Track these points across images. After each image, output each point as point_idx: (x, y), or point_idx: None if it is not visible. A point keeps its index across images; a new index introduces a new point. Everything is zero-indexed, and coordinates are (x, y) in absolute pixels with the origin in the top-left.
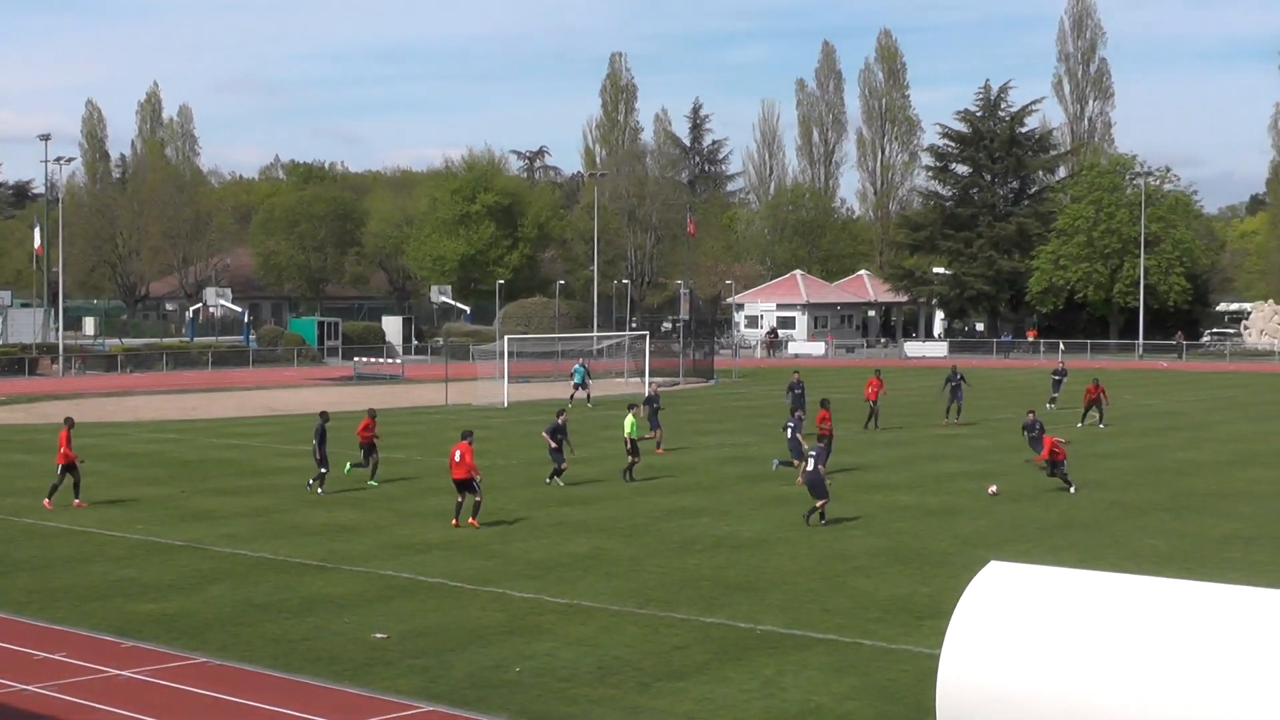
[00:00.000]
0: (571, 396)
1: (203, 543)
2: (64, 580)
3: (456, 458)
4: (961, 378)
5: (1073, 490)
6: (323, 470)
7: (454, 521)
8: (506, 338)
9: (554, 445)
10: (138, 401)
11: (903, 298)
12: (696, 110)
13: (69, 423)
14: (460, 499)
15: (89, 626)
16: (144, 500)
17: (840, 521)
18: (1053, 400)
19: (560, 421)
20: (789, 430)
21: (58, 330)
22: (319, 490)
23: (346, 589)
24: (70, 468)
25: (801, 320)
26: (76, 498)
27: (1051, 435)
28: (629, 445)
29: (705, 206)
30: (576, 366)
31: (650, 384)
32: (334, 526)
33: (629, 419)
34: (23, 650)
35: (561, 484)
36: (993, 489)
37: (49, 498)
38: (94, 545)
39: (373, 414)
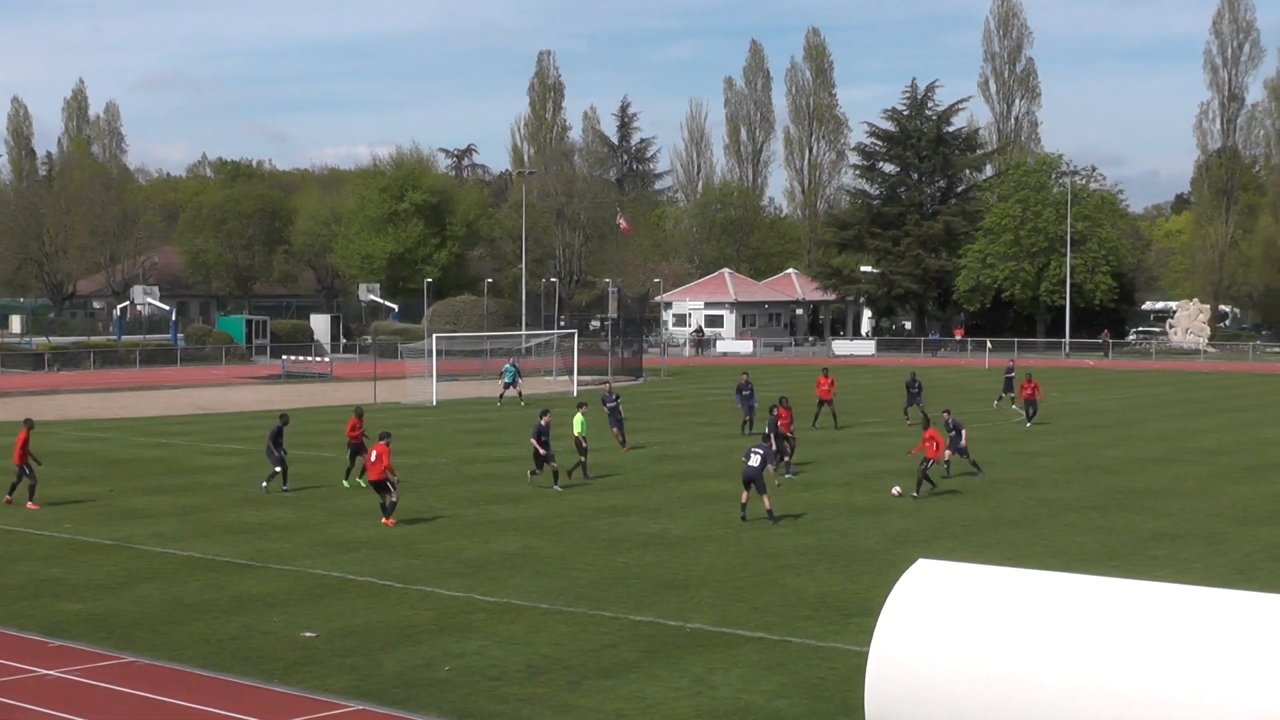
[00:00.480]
0: (501, 395)
1: (131, 542)
2: None
3: (373, 458)
4: (919, 382)
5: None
6: (277, 470)
7: (386, 520)
8: (435, 336)
9: (543, 452)
10: (65, 400)
11: (831, 296)
12: (625, 109)
13: (28, 424)
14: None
15: (16, 626)
16: (71, 499)
17: (766, 519)
18: (1000, 398)
19: (544, 423)
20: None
21: None
22: (268, 487)
23: (276, 588)
24: (26, 470)
25: (729, 318)
26: (30, 499)
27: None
28: (578, 444)
29: (634, 205)
30: (507, 365)
31: (606, 382)
32: (264, 525)
33: (578, 417)
34: None
35: (559, 488)
36: (896, 490)
37: (10, 494)
38: (21, 544)
39: (359, 412)
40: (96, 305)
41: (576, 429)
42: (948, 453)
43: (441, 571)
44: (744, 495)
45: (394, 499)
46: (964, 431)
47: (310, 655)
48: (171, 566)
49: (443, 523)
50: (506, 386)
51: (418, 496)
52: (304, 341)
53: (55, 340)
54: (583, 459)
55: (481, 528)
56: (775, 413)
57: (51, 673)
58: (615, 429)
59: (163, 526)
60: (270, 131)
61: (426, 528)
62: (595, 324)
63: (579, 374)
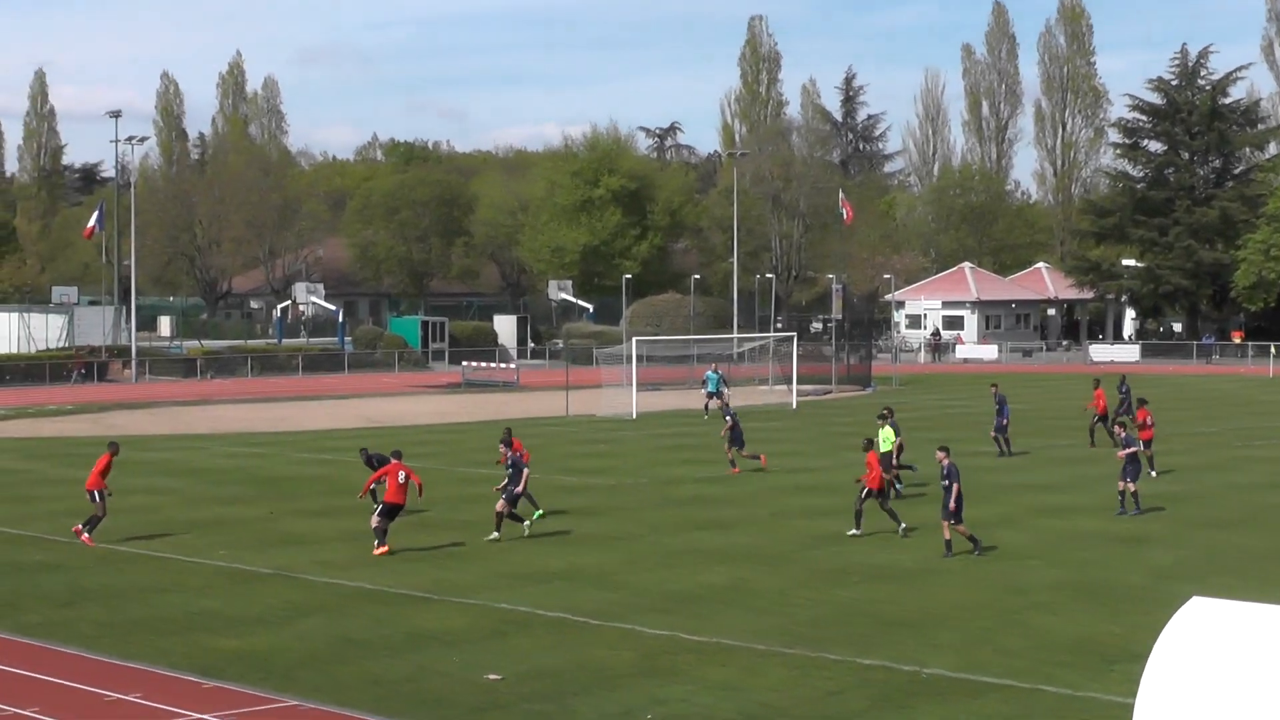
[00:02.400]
0: (706, 406)
1: (292, 570)
2: (138, 612)
3: (401, 479)
4: (1129, 387)
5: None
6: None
7: (381, 549)
8: (635, 339)
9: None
10: (219, 411)
11: (1087, 294)
12: (849, 81)
13: (113, 448)
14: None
15: (166, 664)
16: (226, 522)
17: (1012, 550)
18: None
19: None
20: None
21: (130, 331)
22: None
23: (455, 624)
24: (97, 496)
25: (971, 320)
26: (89, 532)
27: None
28: (888, 461)
29: (860, 190)
30: (709, 373)
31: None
32: (440, 553)
33: (885, 430)
34: (93, 690)
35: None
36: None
37: (88, 526)
38: (171, 573)
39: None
40: (254, 305)
41: (885, 444)
42: (1131, 485)
43: (642, 607)
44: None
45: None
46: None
47: (494, 700)
48: (338, 599)
49: (643, 551)
50: (710, 396)
51: (614, 522)
52: (486, 346)
53: (208, 344)
54: (891, 478)
55: (687, 557)
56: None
57: (205, 717)
58: (730, 449)
59: (328, 553)
60: (447, 109)
61: (624, 557)
62: (817, 326)
63: (799, 383)
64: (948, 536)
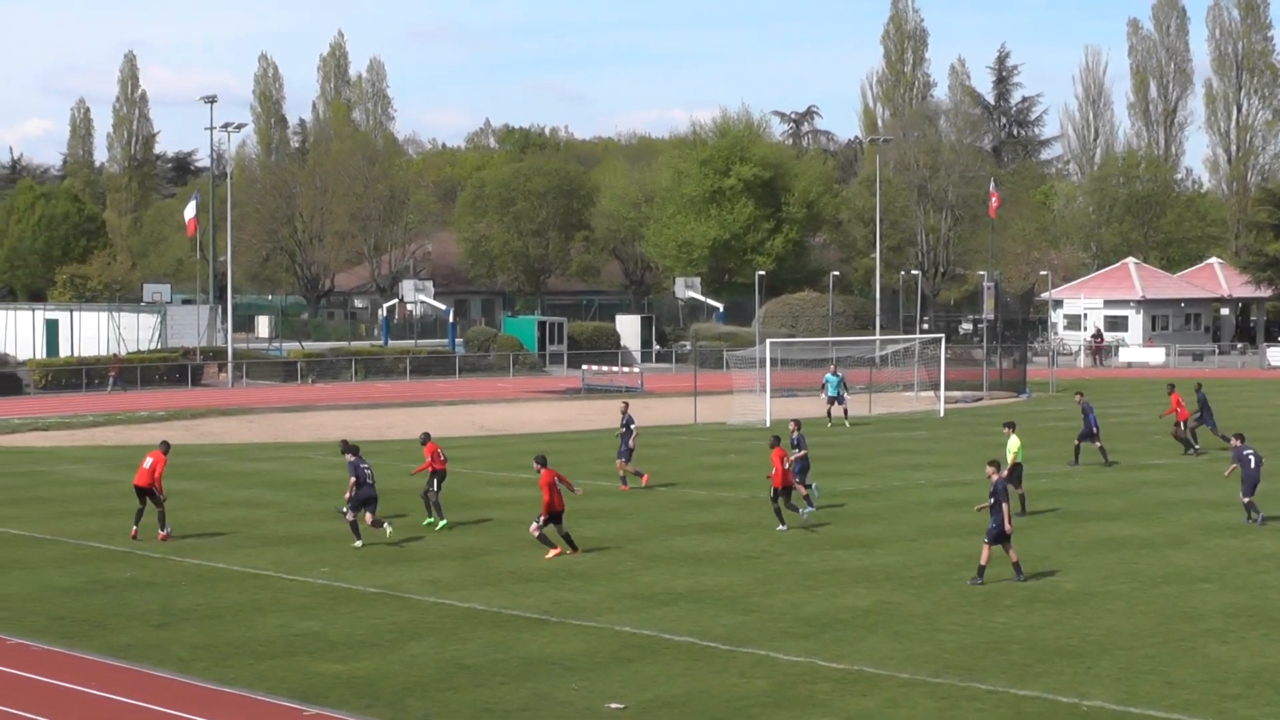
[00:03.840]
0: (828, 413)
1: (400, 590)
2: (235, 633)
3: (557, 484)
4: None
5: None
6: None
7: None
8: (768, 341)
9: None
10: (320, 417)
11: (1265, 292)
12: (1002, 60)
13: (165, 447)
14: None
15: (265, 689)
16: (329, 537)
17: (1182, 572)
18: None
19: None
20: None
21: (226, 332)
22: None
23: (575, 648)
24: (150, 494)
25: (1135, 320)
26: (135, 525)
27: None
28: (1016, 471)
29: (1013, 179)
30: (829, 375)
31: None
32: (560, 572)
33: (1014, 440)
34: (188, 717)
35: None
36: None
37: (163, 529)
38: (270, 592)
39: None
40: (358, 304)
41: (1013, 452)
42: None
43: (777, 631)
44: None
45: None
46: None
47: None
48: (448, 620)
49: (778, 571)
50: (831, 402)
51: (746, 539)
52: (608, 348)
53: (309, 346)
54: (1021, 491)
55: (826, 578)
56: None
57: None
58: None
59: (438, 571)
60: (565, 92)
61: (757, 577)
62: (967, 327)
63: (947, 389)
64: (984, 562)
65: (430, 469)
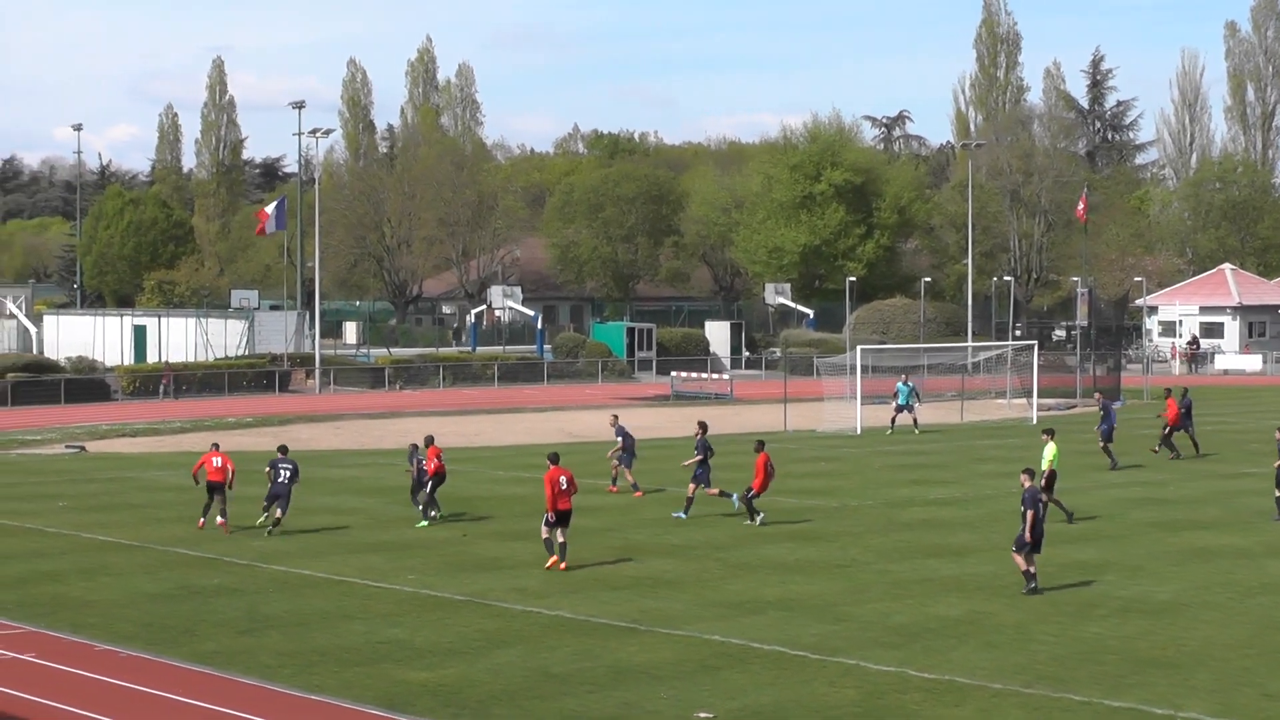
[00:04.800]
0: (893, 421)
1: (487, 597)
2: (321, 640)
3: (564, 484)
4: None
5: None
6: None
7: (562, 565)
8: (859, 348)
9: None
10: (408, 424)
11: None
12: (1096, 64)
13: (215, 448)
14: (559, 535)
15: (351, 697)
16: (415, 545)
17: None
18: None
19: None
20: None
21: (314, 338)
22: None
23: (663, 656)
24: (223, 490)
25: (1232, 327)
26: (205, 517)
27: None
28: (1049, 480)
29: (1108, 184)
30: (900, 384)
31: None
32: (647, 579)
33: (1050, 448)
34: None
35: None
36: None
37: (223, 519)
38: (356, 599)
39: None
40: (446, 310)
41: (1048, 459)
42: None
43: (867, 640)
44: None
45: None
46: None
47: None
48: (536, 629)
49: (868, 580)
50: (899, 410)
51: (836, 547)
52: (697, 354)
53: (397, 352)
54: (1052, 499)
55: (916, 586)
56: None
57: None
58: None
59: (525, 580)
60: (654, 97)
61: (847, 586)
62: (1059, 333)
63: (1039, 396)
64: (1027, 568)
65: (436, 470)
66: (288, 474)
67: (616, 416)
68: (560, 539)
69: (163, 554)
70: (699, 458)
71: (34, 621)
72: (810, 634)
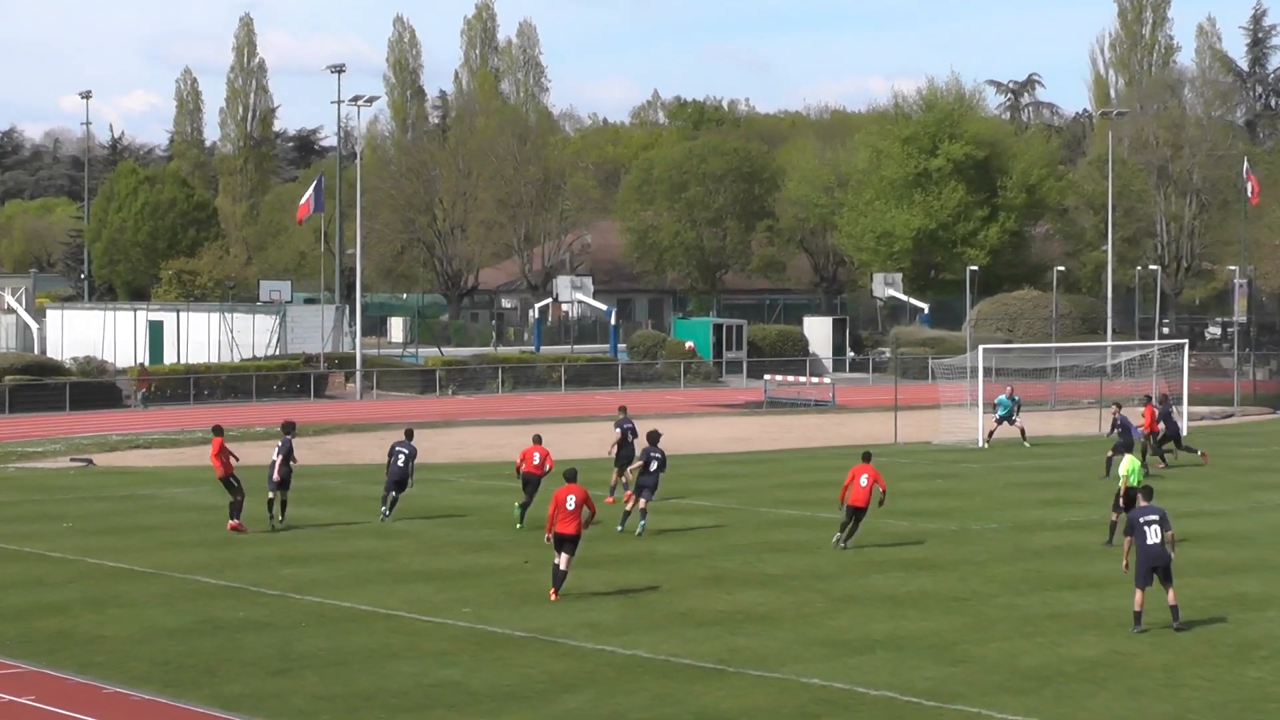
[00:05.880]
0: (990, 434)
1: (554, 634)
2: (365, 683)
3: (570, 505)
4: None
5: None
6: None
7: (554, 595)
8: (981, 348)
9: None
10: (463, 435)
11: None
12: (1258, 19)
13: (218, 431)
14: (559, 560)
15: None
16: (472, 573)
17: None
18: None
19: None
20: None
21: (354, 336)
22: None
23: (754, 702)
24: (226, 484)
25: None
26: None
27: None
28: (1120, 497)
29: (1271, 158)
30: (1002, 397)
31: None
32: (738, 613)
33: (1127, 462)
34: None
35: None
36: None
37: (235, 518)
38: (404, 634)
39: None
40: (506, 304)
41: (1125, 472)
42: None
43: (991, 685)
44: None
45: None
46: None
47: None
48: (610, 669)
49: (992, 616)
50: (999, 422)
51: (955, 578)
52: (795, 355)
53: (450, 352)
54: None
55: (1048, 623)
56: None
57: None
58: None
59: (597, 613)
60: (746, 60)
61: (968, 622)
62: (1214, 331)
63: (1191, 403)
64: (1140, 607)
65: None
66: (403, 458)
67: (624, 409)
68: (563, 566)
69: (182, 582)
70: (640, 464)
71: (36, 660)
72: (925, 677)
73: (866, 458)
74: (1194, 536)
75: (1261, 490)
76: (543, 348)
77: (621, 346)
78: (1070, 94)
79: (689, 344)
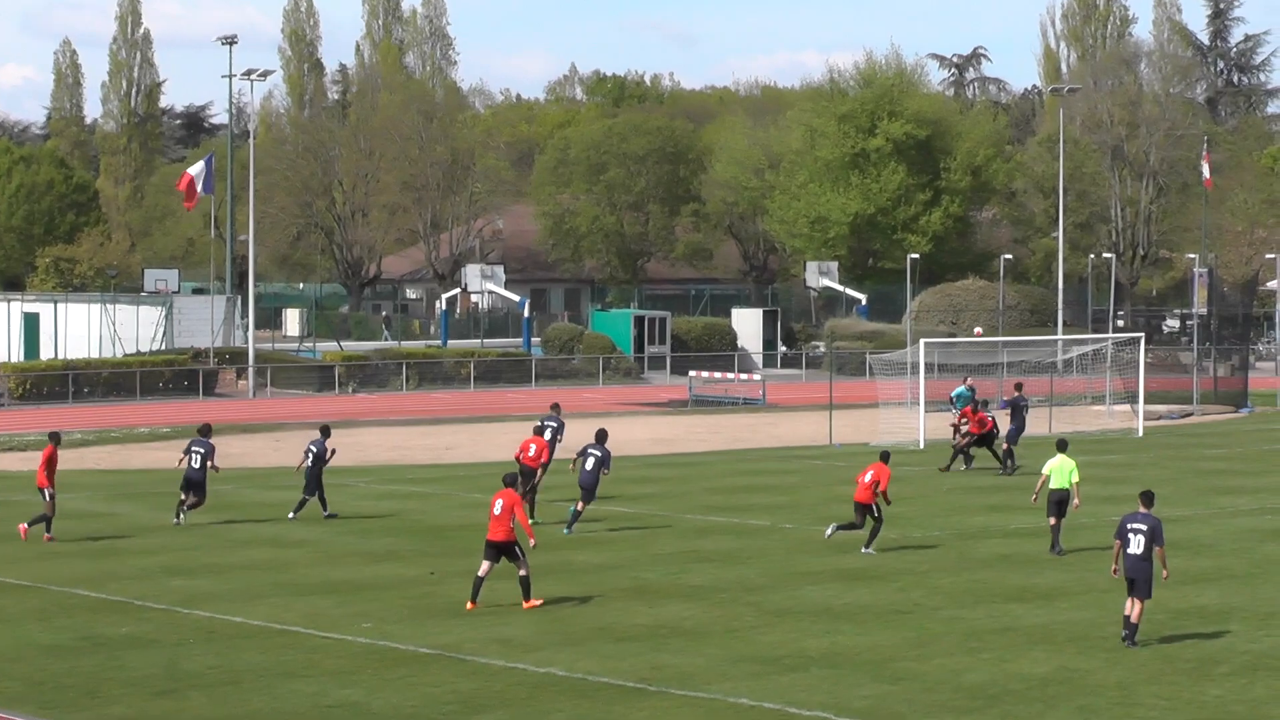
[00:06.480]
0: (955, 431)
1: (462, 650)
2: (257, 703)
3: (497, 510)
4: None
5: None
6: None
7: (470, 604)
8: (923, 342)
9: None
10: (364, 436)
11: None
12: None
13: (54, 439)
14: (484, 570)
15: None
16: (374, 585)
17: None
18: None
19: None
20: None
21: (247, 329)
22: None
23: None
24: (46, 495)
25: None
26: (31, 524)
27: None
28: (1049, 500)
29: (1233, 139)
30: (960, 389)
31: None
32: (662, 628)
33: (1061, 463)
34: None
35: None
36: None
37: (34, 524)
38: (301, 651)
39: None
40: (411, 295)
41: (1064, 479)
42: None
43: (933, 704)
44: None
45: (522, 572)
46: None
47: None
48: (522, 689)
49: (935, 630)
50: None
51: (894, 589)
52: (722, 350)
53: (350, 347)
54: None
55: (994, 638)
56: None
57: None
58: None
59: (509, 628)
60: (671, 31)
61: (909, 637)
62: (1173, 324)
63: (1147, 401)
64: (1126, 612)
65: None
66: (311, 456)
67: (557, 406)
68: (480, 573)
69: (61, 596)
70: (578, 459)
71: None
72: (862, 696)
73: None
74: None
75: (1223, 495)
76: (450, 342)
77: (535, 340)
78: (1019, 69)
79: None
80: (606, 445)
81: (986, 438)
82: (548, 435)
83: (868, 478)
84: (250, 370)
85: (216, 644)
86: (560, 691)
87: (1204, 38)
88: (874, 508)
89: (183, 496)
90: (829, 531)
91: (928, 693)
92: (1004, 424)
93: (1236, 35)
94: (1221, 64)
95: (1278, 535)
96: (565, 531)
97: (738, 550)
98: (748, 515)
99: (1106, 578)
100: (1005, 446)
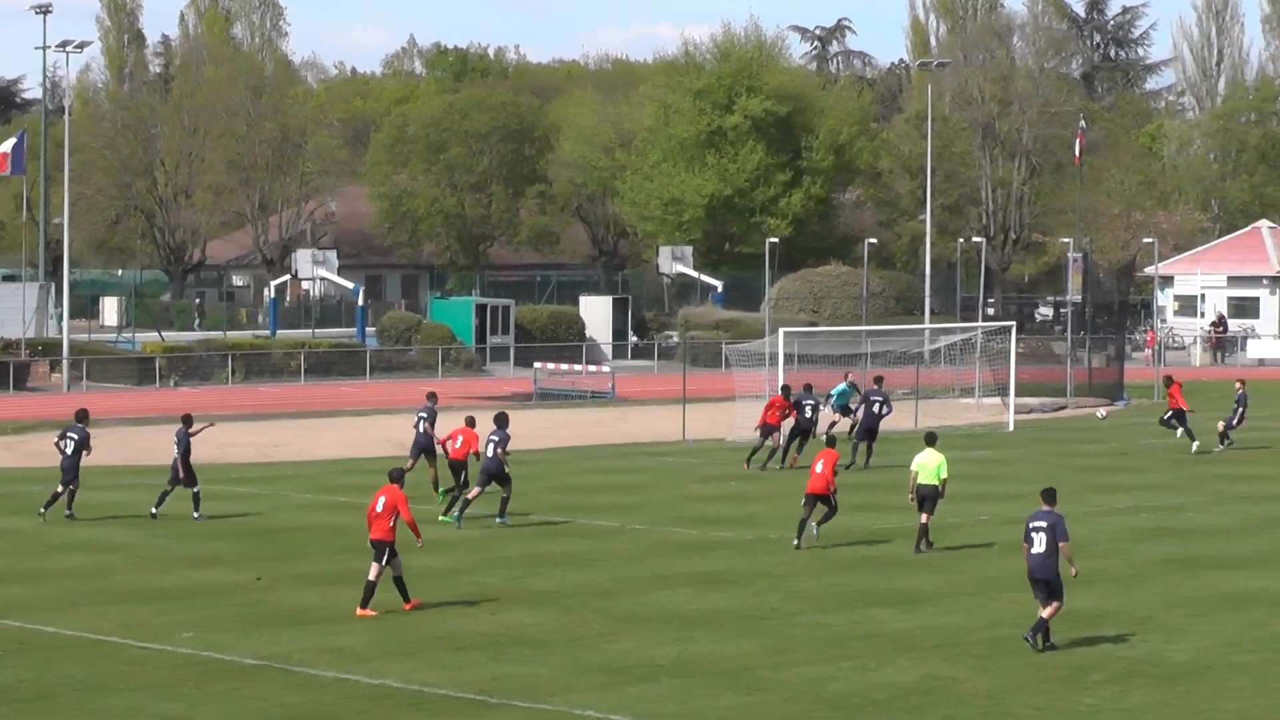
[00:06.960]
0: (831, 426)
1: (290, 662)
2: (71, 718)
3: (379, 507)
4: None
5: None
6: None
7: (360, 611)
8: (782, 331)
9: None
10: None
11: None
12: None
13: None
14: (374, 574)
15: None
16: (197, 592)
17: None
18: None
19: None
20: None
21: (60, 318)
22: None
23: None
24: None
25: (1269, 302)
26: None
27: None
28: (917, 495)
29: (1110, 116)
30: (841, 385)
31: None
32: (505, 635)
33: (928, 457)
34: None
35: None
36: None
37: None
38: (119, 663)
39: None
40: (237, 282)
41: (933, 474)
42: None
43: (793, 715)
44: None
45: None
46: None
47: None
48: (354, 702)
49: (795, 636)
50: (839, 414)
51: (751, 594)
52: (570, 340)
53: (171, 337)
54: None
55: (857, 645)
56: None
57: None
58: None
59: (341, 637)
60: (516, 1)
61: (767, 644)
62: (1045, 312)
63: (1019, 394)
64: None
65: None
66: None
67: (433, 395)
68: (371, 577)
69: None
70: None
71: None
72: (718, 707)
73: (831, 442)
74: (1020, 546)
75: (1097, 492)
76: (280, 332)
77: (370, 330)
78: (885, 42)
79: None
80: (507, 430)
81: (800, 431)
82: (421, 428)
83: (819, 467)
84: (65, 363)
85: (28, 656)
86: (396, 704)
87: (1080, 9)
88: (829, 497)
89: (59, 489)
90: (797, 544)
91: (787, 703)
92: (824, 422)
93: (1114, 8)
94: (1098, 37)
95: (1154, 535)
96: (499, 520)
97: (585, 553)
98: (596, 516)
99: (974, 581)
100: (855, 443)
